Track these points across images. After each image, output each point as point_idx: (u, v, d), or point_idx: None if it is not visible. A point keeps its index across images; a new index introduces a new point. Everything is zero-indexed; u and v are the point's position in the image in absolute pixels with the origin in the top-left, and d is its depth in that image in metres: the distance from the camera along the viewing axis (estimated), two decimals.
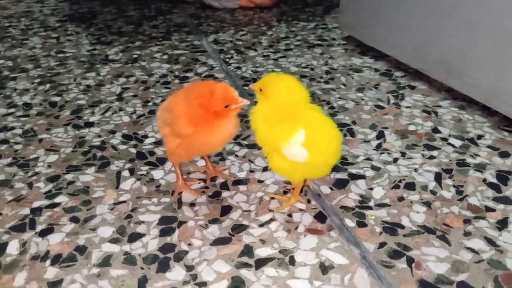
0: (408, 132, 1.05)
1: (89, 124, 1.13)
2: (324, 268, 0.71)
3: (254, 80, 1.32)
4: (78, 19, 1.92)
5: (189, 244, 0.76)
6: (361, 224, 0.79)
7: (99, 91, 1.29)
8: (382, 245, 0.75)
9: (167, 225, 0.80)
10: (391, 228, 0.78)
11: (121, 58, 1.50)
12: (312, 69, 1.38)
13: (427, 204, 0.83)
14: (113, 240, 0.77)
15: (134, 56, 1.52)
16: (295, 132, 0.74)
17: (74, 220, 0.82)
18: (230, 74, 1.36)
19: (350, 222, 0.80)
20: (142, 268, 0.72)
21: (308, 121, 0.74)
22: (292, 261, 0.72)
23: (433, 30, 1.17)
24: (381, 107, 1.15)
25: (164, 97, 1.24)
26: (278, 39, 1.61)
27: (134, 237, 0.78)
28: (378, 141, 1.02)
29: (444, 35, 1.13)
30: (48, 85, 1.33)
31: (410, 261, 0.71)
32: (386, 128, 1.06)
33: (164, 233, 0.79)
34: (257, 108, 0.78)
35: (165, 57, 1.50)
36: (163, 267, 0.72)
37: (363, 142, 1.01)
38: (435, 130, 1.05)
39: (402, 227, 0.78)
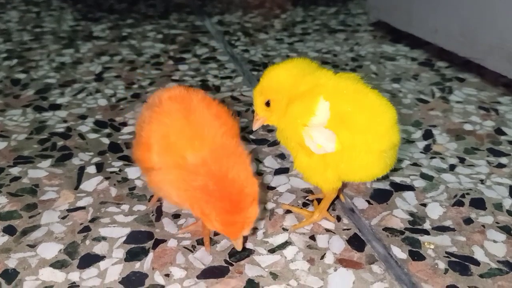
0: (465, 132, 0.80)
1: (55, 107, 0.89)
2: None
3: (265, 66, 1.08)
4: None
5: (167, 275, 0.52)
6: (416, 255, 0.55)
7: (75, 69, 1.06)
8: None
9: (138, 244, 0.57)
10: (461, 263, 0.54)
11: (108, 36, 1.27)
12: (335, 55, 1.14)
13: (506, 230, 0.59)
14: (58, 264, 0.53)
15: (124, 34, 1.29)
16: (315, 106, 0.50)
17: (9, 231, 0.58)
18: (236, 57, 1.13)
19: (399, 252, 0.55)
20: None
21: (334, 89, 0.51)
22: None
23: (487, 8, 0.93)
24: (425, 101, 0.91)
25: (154, 79, 1.01)
26: (294, 23, 1.38)
27: (89, 260, 0.54)
28: (426, 142, 0.77)
29: (502, 13, 0.90)
30: (15, 61, 1.10)
31: None
32: (435, 126, 0.82)
33: (132, 256, 0.55)
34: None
35: (160, 36, 1.27)
36: None
37: (405, 142, 0.77)
38: (499, 132, 0.80)
39: (477, 262, 0.54)
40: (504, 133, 0.80)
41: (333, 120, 0.51)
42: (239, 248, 0.51)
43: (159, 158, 0.50)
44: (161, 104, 0.53)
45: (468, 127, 0.82)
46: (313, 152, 0.53)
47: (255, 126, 0.59)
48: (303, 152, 0.54)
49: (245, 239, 0.56)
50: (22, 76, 1.02)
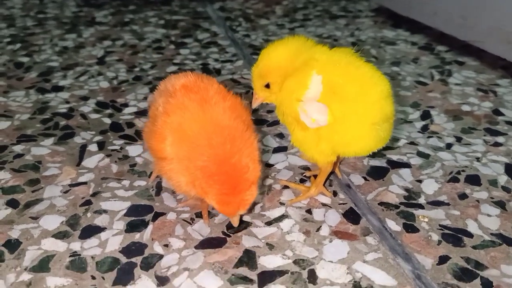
0: (462, 113, 0.81)
1: (58, 88, 0.90)
2: None
3: None
4: None
5: (166, 246, 0.53)
6: (410, 228, 0.56)
7: (77, 53, 1.07)
8: (443, 259, 0.51)
9: (138, 217, 0.58)
10: (454, 236, 0.55)
11: (110, 21, 1.28)
12: (335, 40, 1.14)
13: (500, 204, 0.60)
14: (59, 235, 0.55)
15: (126, 20, 1.29)
16: (308, 80, 0.51)
17: (12, 204, 0.60)
18: (237, 42, 1.13)
19: (394, 225, 0.57)
20: (93, 278, 0.49)
21: (327, 62, 0.52)
22: (312, 276, 0.49)
23: None
24: (424, 84, 0.92)
25: (155, 63, 1.02)
26: (295, 9, 1.38)
27: (90, 231, 0.55)
28: (423, 122, 0.78)
29: None
30: (18, 45, 1.11)
31: (487, 285, 0.48)
32: (433, 107, 0.83)
33: (132, 227, 0.56)
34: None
35: (162, 22, 1.28)
36: (124, 277, 0.49)
37: (403, 122, 0.78)
38: (497, 112, 0.81)
39: (470, 235, 0.55)
40: (501, 114, 0.81)
41: (325, 93, 0.51)
42: (235, 224, 0.52)
43: (172, 149, 0.50)
44: (176, 94, 0.52)
45: (466, 108, 0.83)
46: (308, 126, 0.54)
47: (254, 104, 0.60)
48: (299, 126, 0.55)
49: (242, 215, 0.57)
50: (25, 59, 1.03)
